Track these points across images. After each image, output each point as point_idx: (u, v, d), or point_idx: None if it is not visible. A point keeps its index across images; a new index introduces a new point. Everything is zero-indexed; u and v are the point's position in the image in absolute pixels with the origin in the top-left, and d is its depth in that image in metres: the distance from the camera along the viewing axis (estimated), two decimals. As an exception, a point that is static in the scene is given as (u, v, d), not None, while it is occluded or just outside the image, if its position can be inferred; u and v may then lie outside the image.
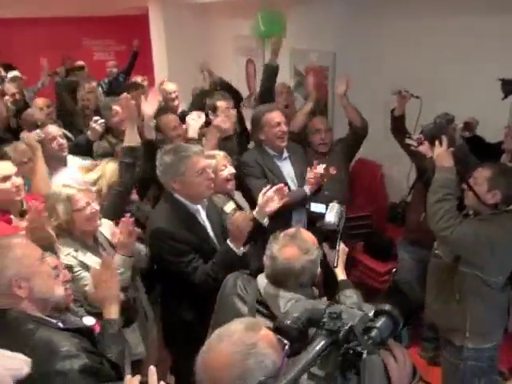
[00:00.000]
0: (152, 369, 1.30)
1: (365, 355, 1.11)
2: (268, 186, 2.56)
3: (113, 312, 1.90)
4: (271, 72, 3.94)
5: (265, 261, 1.91)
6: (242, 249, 2.42)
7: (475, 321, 2.49)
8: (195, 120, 3.32)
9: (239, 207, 2.96)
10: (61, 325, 1.68)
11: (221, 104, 3.80)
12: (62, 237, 2.31)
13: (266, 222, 2.50)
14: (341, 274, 2.18)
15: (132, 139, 2.78)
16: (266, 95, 3.92)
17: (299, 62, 5.43)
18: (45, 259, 1.75)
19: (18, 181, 2.66)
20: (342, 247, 2.25)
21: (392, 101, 3.38)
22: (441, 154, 2.57)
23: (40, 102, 4.94)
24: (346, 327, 1.14)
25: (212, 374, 1.15)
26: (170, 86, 4.86)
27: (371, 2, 4.23)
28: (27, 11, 8.82)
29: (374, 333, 1.18)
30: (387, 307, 1.22)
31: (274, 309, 1.80)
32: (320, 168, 3.15)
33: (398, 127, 3.35)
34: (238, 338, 1.19)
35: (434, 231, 2.53)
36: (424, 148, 3.08)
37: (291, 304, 1.75)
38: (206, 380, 1.16)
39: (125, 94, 2.92)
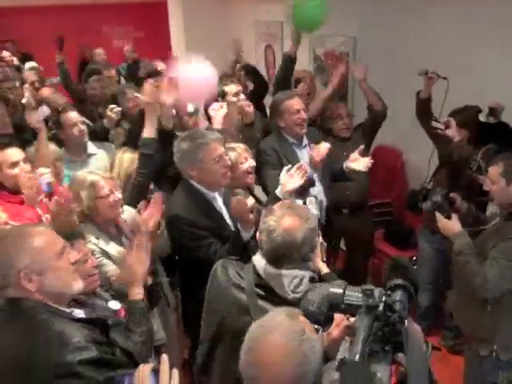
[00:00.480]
0: (164, 357, 1.29)
1: (405, 325, 1.18)
2: (289, 166, 2.58)
3: (139, 293, 1.92)
4: (289, 62, 3.89)
5: (259, 238, 1.83)
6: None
7: (505, 335, 2.44)
8: (217, 110, 3.24)
9: (259, 202, 2.96)
10: (75, 315, 1.67)
11: (230, 89, 3.74)
12: (84, 223, 2.33)
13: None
14: (324, 268, 2.11)
15: (153, 130, 2.74)
16: (283, 84, 3.87)
17: (318, 46, 5.37)
18: (67, 252, 1.70)
19: (26, 167, 2.73)
20: (320, 241, 2.17)
21: (413, 86, 3.33)
22: (445, 226, 2.54)
23: (47, 90, 4.88)
24: (382, 302, 1.20)
25: (270, 368, 1.13)
26: None
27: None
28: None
29: (398, 306, 1.21)
30: (400, 281, 1.27)
31: (279, 289, 1.74)
32: (324, 148, 3.10)
33: (424, 110, 3.29)
34: (287, 327, 1.18)
35: (486, 290, 2.40)
36: (451, 131, 3.05)
37: (297, 283, 1.74)
38: (264, 376, 1.13)
39: (149, 81, 2.89)
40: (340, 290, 1.30)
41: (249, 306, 1.76)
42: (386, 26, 4.30)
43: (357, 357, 1.09)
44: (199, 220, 2.44)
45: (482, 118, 3.00)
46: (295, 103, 3.23)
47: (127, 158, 2.87)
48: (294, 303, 1.71)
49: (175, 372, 1.26)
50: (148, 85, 2.89)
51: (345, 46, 4.91)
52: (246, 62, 4.93)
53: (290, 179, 2.56)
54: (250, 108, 3.39)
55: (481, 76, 3.42)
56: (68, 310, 1.66)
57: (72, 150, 3.46)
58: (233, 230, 2.54)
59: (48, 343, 1.47)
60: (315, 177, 3.03)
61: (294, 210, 1.80)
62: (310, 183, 2.98)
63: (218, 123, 3.15)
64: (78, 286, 1.69)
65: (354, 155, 3.14)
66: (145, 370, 1.29)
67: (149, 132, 2.73)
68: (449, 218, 2.54)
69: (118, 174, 2.81)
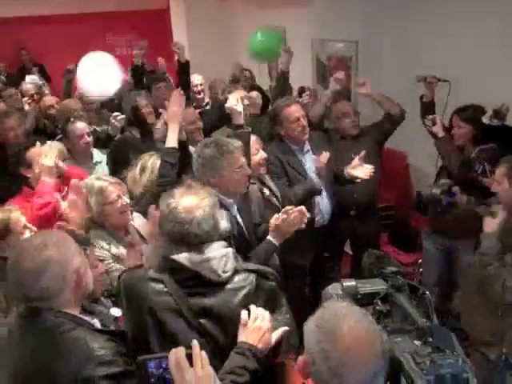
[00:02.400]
0: (195, 341, 1.32)
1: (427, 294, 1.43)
2: (289, 207, 2.47)
3: None
4: (282, 79, 3.98)
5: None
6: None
7: None
8: (234, 104, 2.88)
9: (272, 192, 2.97)
10: (97, 325, 1.65)
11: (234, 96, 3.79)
12: (94, 229, 2.35)
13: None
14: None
15: (176, 139, 2.67)
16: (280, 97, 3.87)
17: (321, 51, 5.39)
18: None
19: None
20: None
21: (416, 89, 3.34)
22: (488, 222, 2.49)
23: (48, 100, 4.86)
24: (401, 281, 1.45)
25: (362, 351, 1.12)
26: (197, 78, 4.82)
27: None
28: (51, 9, 8.95)
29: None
30: (395, 268, 1.51)
31: (210, 273, 1.74)
32: (325, 156, 3.10)
33: (427, 113, 3.30)
34: (356, 310, 1.21)
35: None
36: (435, 128, 3.11)
37: (224, 262, 1.76)
38: (356, 362, 1.12)
39: (178, 90, 2.89)
40: (352, 283, 1.47)
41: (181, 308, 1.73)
42: (388, 30, 4.33)
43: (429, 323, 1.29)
44: None
45: (485, 120, 3.00)
46: (294, 111, 3.20)
47: (154, 164, 2.74)
48: (224, 284, 1.77)
49: (204, 354, 1.30)
50: (176, 92, 2.84)
51: (347, 51, 4.94)
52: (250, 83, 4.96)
53: (286, 222, 2.43)
54: (258, 100, 3.38)
55: (482, 78, 3.42)
56: (87, 319, 1.64)
57: (78, 159, 3.48)
58: (247, 236, 2.52)
59: (71, 356, 1.45)
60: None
61: (191, 190, 1.82)
62: (317, 193, 3.05)
63: (239, 118, 2.85)
64: (91, 285, 1.70)
65: (355, 162, 3.12)
66: (179, 352, 1.29)
67: (172, 141, 2.66)
68: (442, 212, 2.53)
69: (147, 179, 2.71)
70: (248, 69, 5.07)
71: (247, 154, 2.71)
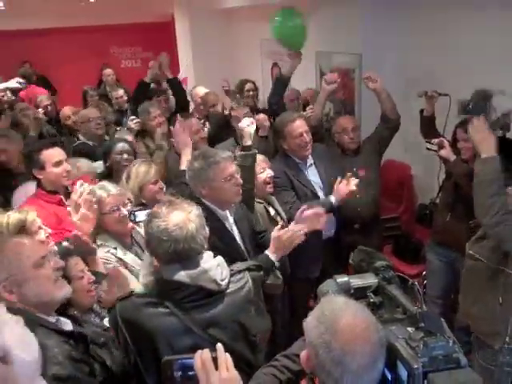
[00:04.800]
0: (219, 345, 1.34)
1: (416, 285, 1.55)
2: (305, 206, 2.52)
3: None
4: (282, 84, 3.92)
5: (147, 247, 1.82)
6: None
7: None
8: (247, 124, 3.01)
9: (277, 212, 2.98)
10: (61, 324, 1.66)
11: (237, 113, 3.85)
12: (101, 233, 2.40)
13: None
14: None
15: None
16: (275, 106, 3.92)
17: (325, 64, 5.42)
18: (48, 261, 1.69)
19: (68, 167, 2.90)
20: None
21: (419, 101, 3.36)
22: (483, 140, 2.46)
23: (67, 110, 5.07)
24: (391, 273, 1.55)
25: (362, 341, 1.20)
26: (202, 90, 4.87)
27: (397, 3, 4.19)
28: (56, 22, 9.06)
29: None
30: (385, 262, 1.60)
31: (210, 284, 1.77)
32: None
33: (428, 128, 3.31)
34: (353, 303, 1.30)
35: (486, 226, 2.45)
36: (445, 152, 3.04)
37: (220, 270, 1.81)
38: (358, 351, 1.19)
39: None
40: (345, 279, 1.56)
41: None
42: (391, 43, 4.36)
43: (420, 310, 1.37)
44: (210, 239, 2.42)
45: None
46: (298, 126, 3.20)
47: (142, 171, 2.91)
48: (223, 291, 1.81)
49: (228, 356, 1.33)
50: (177, 123, 3.05)
51: (351, 63, 4.97)
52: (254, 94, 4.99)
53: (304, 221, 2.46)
54: (266, 122, 3.40)
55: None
56: (53, 320, 1.65)
57: None
58: (243, 250, 2.52)
59: None
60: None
61: (175, 206, 1.80)
62: (333, 211, 3.08)
63: (247, 140, 2.94)
64: (62, 292, 1.68)
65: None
66: (204, 354, 1.31)
67: (184, 164, 2.84)
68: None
69: (133, 186, 2.85)
70: (252, 80, 5.09)
71: (252, 173, 2.78)
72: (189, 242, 1.72)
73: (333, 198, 3.07)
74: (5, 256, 1.60)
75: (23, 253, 1.63)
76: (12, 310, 1.54)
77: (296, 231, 2.33)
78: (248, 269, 2.00)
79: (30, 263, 1.62)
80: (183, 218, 1.75)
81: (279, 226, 2.40)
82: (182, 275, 1.74)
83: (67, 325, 1.71)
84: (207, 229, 1.85)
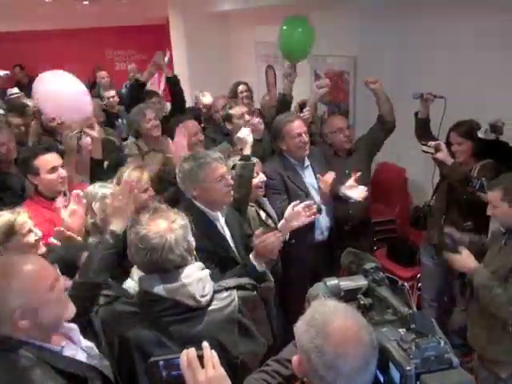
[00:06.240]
0: (205, 343, 1.32)
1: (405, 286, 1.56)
2: (298, 201, 2.56)
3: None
4: (285, 105, 3.84)
5: (130, 257, 1.75)
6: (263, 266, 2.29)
7: None
8: (247, 134, 2.94)
9: (269, 216, 2.96)
10: (65, 351, 1.57)
11: (235, 112, 3.79)
12: (94, 235, 2.35)
13: (286, 237, 2.50)
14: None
15: None
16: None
17: (319, 66, 5.43)
18: (58, 282, 1.58)
19: (64, 172, 2.84)
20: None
21: (414, 104, 3.35)
22: (459, 264, 2.48)
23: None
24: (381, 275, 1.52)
25: (354, 343, 1.18)
26: (208, 99, 4.84)
27: (392, 6, 4.20)
28: (51, 24, 9.04)
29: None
30: (374, 264, 1.58)
31: (188, 300, 1.71)
32: (329, 177, 3.11)
33: (422, 130, 3.30)
34: (343, 306, 1.28)
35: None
36: (442, 155, 3.02)
37: (202, 285, 1.74)
38: (351, 352, 1.18)
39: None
40: (335, 281, 1.52)
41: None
42: (386, 46, 4.36)
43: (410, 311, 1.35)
44: (200, 241, 2.37)
45: (480, 134, 3.00)
46: (296, 127, 3.20)
47: (134, 176, 2.84)
48: (206, 306, 1.75)
49: (215, 354, 1.30)
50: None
51: (345, 66, 4.97)
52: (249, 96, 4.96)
53: (295, 216, 2.51)
54: (261, 125, 3.39)
55: (479, 94, 3.44)
56: (58, 348, 1.56)
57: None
58: (234, 251, 2.50)
59: None
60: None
61: (160, 213, 1.76)
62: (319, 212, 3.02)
63: (247, 150, 2.88)
64: (69, 312, 1.61)
65: (351, 182, 3.11)
66: (190, 352, 1.29)
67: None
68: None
69: None
70: (245, 82, 5.07)
71: (250, 182, 2.78)
72: (166, 252, 1.67)
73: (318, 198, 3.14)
74: (17, 281, 1.46)
75: (39, 276, 1.51)
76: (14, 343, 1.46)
77: (272, 240, 2.25)
78: (239, 287, 1.91)
79: (45, 287, 1.50)
80: (165, 227, 1.70)
81: (258, 232, 2.36)
82: (160, 288, 1.70)
83: (75, 352, 1.62)
84: (192, 240, 1.79)
